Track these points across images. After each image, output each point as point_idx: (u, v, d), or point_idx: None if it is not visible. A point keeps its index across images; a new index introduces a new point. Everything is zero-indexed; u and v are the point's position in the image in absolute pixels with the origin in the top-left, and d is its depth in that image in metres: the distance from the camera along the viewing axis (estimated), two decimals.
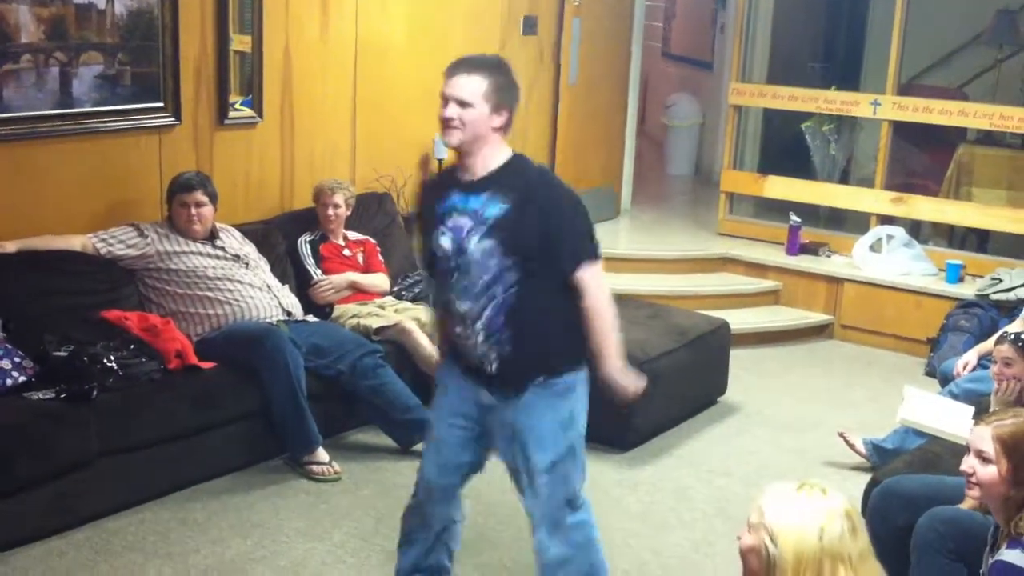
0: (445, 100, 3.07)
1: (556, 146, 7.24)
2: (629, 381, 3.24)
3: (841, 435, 4.83)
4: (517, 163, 3.15)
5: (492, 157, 3.10)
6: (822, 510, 2.10)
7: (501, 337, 3.08)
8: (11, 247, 4.35)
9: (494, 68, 3.11)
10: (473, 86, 3.04)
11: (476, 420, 3.24)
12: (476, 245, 3.03)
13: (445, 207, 3.11)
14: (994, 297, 6.08)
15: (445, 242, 3.10)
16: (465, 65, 3.08)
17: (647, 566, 3.96)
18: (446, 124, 3.06)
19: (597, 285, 3.15)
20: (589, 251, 3.14)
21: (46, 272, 4.39)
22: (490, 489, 3.80)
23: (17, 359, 4.06)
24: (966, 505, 3.22)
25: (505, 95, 3.09)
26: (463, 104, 3.03)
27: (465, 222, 3.06)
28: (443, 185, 3.19)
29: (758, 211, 7.76)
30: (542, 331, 3.12)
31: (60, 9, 4.49)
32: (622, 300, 5.64)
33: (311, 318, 4.93)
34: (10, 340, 4.09)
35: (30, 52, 4.42)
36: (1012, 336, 3.99)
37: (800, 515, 2.09)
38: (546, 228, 3.04)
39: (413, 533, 3.38)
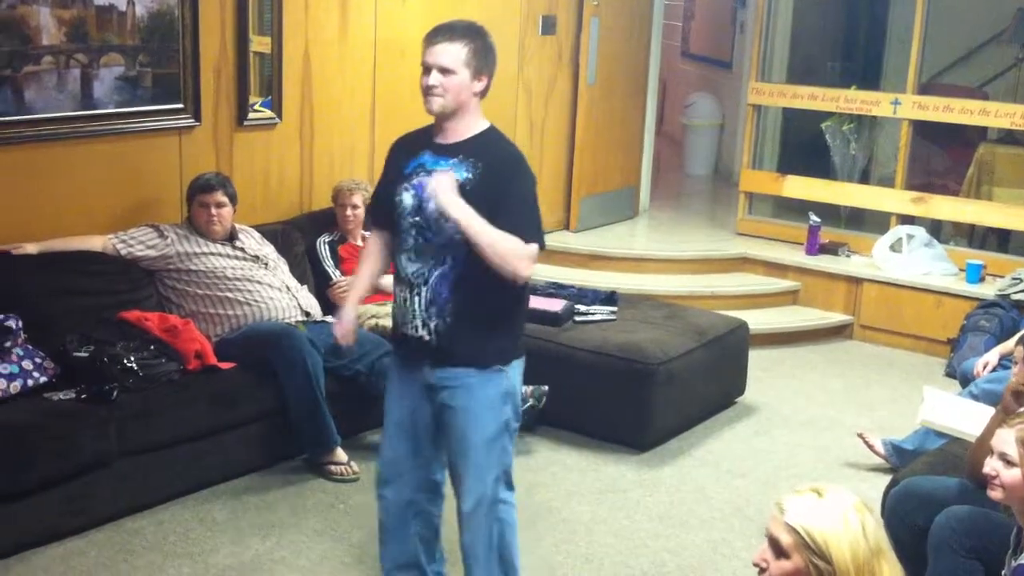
0: (427, 68, 3.11)
1: (575, 146, 7.23)
2: (445, 187, 3.03)
3: (860, 436, 4.81)
4: (492, 135, 3.19)
5: (469, 125, 3.15)
6: (852, 509, 2.05)
7: (443, 308, 3.09)
8: (32, 248, 4.38)
9: (473, 34, 3.13)
10: (454, 52, 3.08)
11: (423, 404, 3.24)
12: (435, 206, 3.05)
13: (413, 165, 3.16)
14: (1015, 297, 6.04)
15: (407, 199, 3.13)
16: (444, 32, 3.12)
17: (665, 566, 3.96)
18: (428, 92, 3.11)
19: (526, 256, 3.04)
20: (534, 234, 3.09)
21: (67, 273, 4.42)
22: None
23: (38, 359, 4.08)
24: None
25: (484, 60, 3.13)
26: (445, 71, 3.08)
27: (429, 182, 3.09)
28: (415, 144, 3.23)
29: (777, 211, 7.73)
30: (484, 314, 3.12)
31: (81, 11, 4.51)
32: (641, 300, 5.68)
33: (330, 318, 4.93)
34: (31, 341, 4.11)
35: (51, 54, 4.45)
36: None
37: (842, 521, 2.03)
38: (502, 200, 3.05)
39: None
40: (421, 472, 3.32)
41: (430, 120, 3.24)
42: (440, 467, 3.35)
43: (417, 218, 3.10)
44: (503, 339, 3.20)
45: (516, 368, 3.24)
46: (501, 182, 3.08)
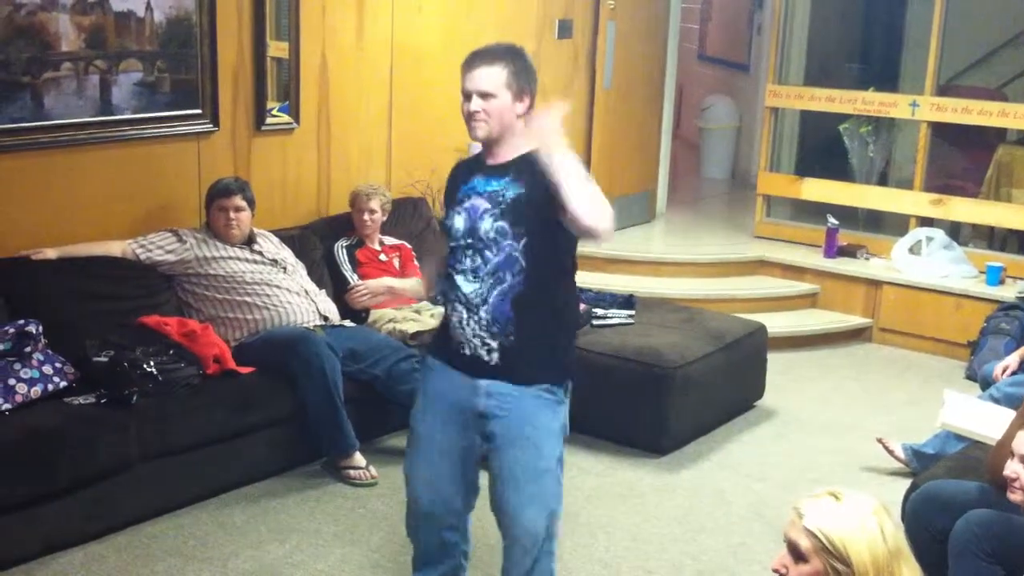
0: (467, 95, 3.06)
1: (591, 149, 7.23)
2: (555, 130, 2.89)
3: (880, 441, 4.79)
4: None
5: (517, 146, 3.09)
6: (869, 512, 2.04)
7: (506, 326, 3.03)
8: (52, 253, 4.40)
9: (511, 55, 3.09)
10: (493, 76, 3.03)
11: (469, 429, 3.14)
12: (490, 225, 3.02)
13: (465, 189, 3.12)
14: None
15: (459, 222, 3.08)
16: (482, 56, 3.07)
17: (684, 570, 3.95)
18: (471, 118, 3.06)
19: (608, 211, 2.94)
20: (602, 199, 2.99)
21: (86, 278, 4.44)
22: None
23: (58, 364, 4.10)
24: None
25: (525, 80, 3.08)
26: (486, 96, 3.03)
27: (481, 203, 3.05)
28: (469, 169, 3.19)
29: (795, 214, 7.71)
30: (547, 326, 3.08)
31: (100, 17, 4.53)
32: (659, 303, 5.67)
33: (348, 323, 4.95)
34: (51, 346, 4.13)
35: (70, 60, 4.47)
36: None
37: (860, 524, 2.02)
38: (550, 189, 2.95)
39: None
40: (458, 501, 3.22)
41: (446, 125, 3.20)
42: (471, 503, 3.27)
43: (470, 239, 3.05)
44: (564, 354, 3.15)
45: (566, 400, 3.15)
46: (550, 186, 2.99)
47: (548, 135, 2.89)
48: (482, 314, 3.04)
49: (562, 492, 3.15)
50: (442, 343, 3.19)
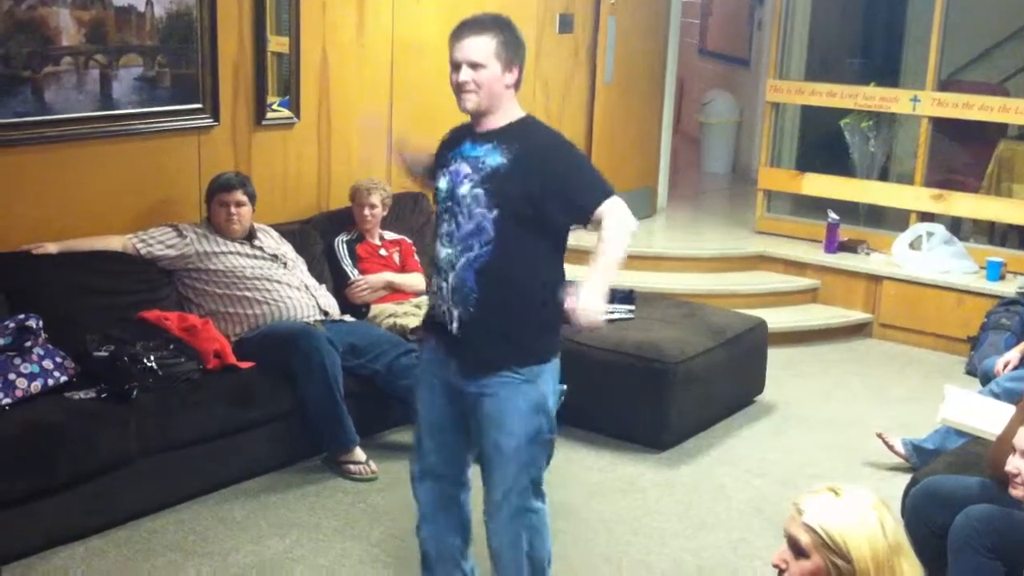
0: (456, 65, 3.06)
1: (592, 144, 7.22)
2: (592, 307, 3.01)
3: (880, 436, 4.79)
4: (528, 121, 3.16)
5: (506, 115, 3.11)
6: (869, 507, 2.04)
7: (467, 296, 3.04)
8: (52, 248, 4.40)
9: (501, 25, 3.09)
10: (482, 46, 3.03)
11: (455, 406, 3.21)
12: (467, 191, 3.04)
13: (454, 153, 3.13)
14: None
15: (443, 184, 3.11)
16: (471, 26, 3.07)
17: (684, 566, 3.95)
18: (461, 88, 3.05)
19: (622, 213, 3.06)
20: (607, 188, 3.09)
21: (87, 273, 4.44)
22: None
23: (58, 359, 4.10)
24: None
25: (514, 51, 3.09)
26: (475, 66, 3.03)
27: (464, 168, 3.07)
28: (458, 135, 3.20)
29: (796, 209, 7.71)
30: (511, 304, 3.07)
31: (100, 12, 4.53)
32: (659, 298, 5.67)
33: (348, 318, 4.95)
34: (51, 340, 4.13)
35: (71, 55, 4.47)
36: None
37: (860, 519, 2.02)
38: (548, 182, 3.01)
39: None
40: (454, 468, 3.30)
41: (447, 119, 3.21)
42: (469, 463, 3.34)
43: (449, 203, 3.08)
44: (530, 337, 3.12)
45: (548, 374, 3.15)
46: (544, 163, 3.04)
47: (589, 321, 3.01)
48: (450, 280, 3.07)
49: (546, 456, 3.21)
50: (428, 311, 3.25)
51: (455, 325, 3.08)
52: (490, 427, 3.12)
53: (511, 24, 3.13)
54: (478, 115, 3.10)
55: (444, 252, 3.09)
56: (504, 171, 3.03)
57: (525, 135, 3.10)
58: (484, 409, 3.12)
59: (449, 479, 3.30)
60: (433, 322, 3.20)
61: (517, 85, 3.12)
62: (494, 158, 3.04)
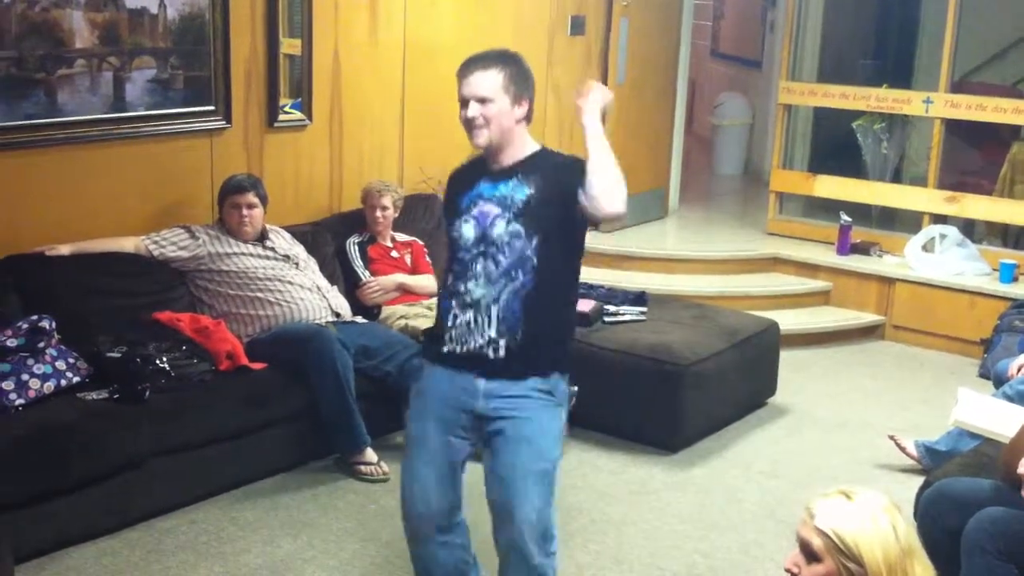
0: (464, 101, 3.04)
1: None
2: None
3: (892, 438, 4.78)
4: (544, 152, 3.14)
5: (522, 148, 3.09)
6: (881, 510, 2.03)
7: (514, 323, 3.01)
8: (65, 250, 4.41)
9: (507, 59, 3.07)
10: (490, 80, 3.02)
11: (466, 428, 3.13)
12: (503, 229, 3.01)
13: (471, 196, 3.09)
14: None
15: (468, 231, 3.06)
16: (476, 62, 3.06)
17: (696, 568, 3.94)
18: (470, 125, 3.04)
19: (623, 188, 3.00)
20: None
21: (99, 274, 4.45)
22: None
23: (71, 360, 4.11)
24: None
25: (522, 84, 3.06)
26: (483, 101, 3.01)
27: (491, 209, 3.04)
28: (471, 175, 3.16)
29: (808, 210, 7.69)
30: (554, 318, 3.08)
31: (113, 14, 4.55)
32: (671, 300, 5.66)
33: (359, 319, 4.95)
34: (64, 341, 4.14)
35: (84, 57, 4.48)
36: None
37: (872, 523, 2.01)
38: (564, 190, 2.99)
39: None
40: (444, 502, 3.19)
41: (459, 125, 3.17)
42: (459, 503, 3.23)
43: (482, 246, 3.03)
44: (561, 350, 3.14)
45: (568, 402, 3.20)
46: (566, 178, 3.00)
47: (593, 102, 3.00)
48: (493, 314, 3.02)
49: (554, 496, 3.11)
50: (440, 345, 3.13)
51: (502, 352, 3.03)
52: (522, 448, 3.05)
53: (518, 58, 3.11)
54: (491, 151, 3.08)
55: (480, 291, 3.03)
56: (535, 201, 3.01)
57: (544, 162, 3.09)
58: (509, 429, 3.04)
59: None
60: (462, 358, 3.07)
61: (528, 118, 3.09)
62: (521, 192, 3.02)
